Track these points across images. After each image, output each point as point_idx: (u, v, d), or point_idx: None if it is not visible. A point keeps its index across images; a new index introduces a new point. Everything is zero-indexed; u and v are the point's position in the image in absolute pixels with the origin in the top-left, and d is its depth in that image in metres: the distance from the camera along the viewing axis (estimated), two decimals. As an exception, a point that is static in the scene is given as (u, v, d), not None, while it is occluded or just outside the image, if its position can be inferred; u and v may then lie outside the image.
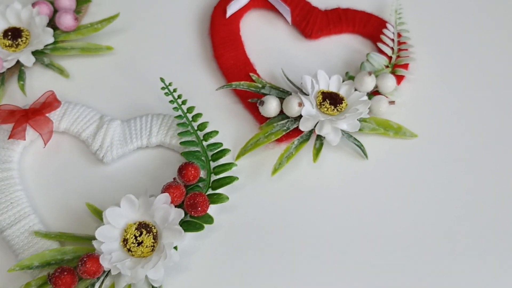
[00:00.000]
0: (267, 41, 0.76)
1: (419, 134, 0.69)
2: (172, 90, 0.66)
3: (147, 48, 0.75)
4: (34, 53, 0.70)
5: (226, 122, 0.69)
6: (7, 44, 0.69)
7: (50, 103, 0.67)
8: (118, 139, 0.66)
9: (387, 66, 0.72)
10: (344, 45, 0.76)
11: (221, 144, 0.66)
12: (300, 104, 0.65)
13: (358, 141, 0.67)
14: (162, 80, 0.66)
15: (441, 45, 0.76)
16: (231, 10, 0.75)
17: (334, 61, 0.75)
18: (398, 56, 0.73)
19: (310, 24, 0.76)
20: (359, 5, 0.79)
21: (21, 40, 0.69)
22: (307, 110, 0.65)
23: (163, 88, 0.66)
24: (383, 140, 0.69)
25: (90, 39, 0.73)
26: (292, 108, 0.65)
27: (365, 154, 0.67)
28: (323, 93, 0.67)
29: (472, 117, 0.71)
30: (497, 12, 0.80)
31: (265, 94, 0.68)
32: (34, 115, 0.66)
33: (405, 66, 0.73)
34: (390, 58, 0.73)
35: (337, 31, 0.77)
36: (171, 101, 0.66)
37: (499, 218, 0.64)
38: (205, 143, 0.65)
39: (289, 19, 0.76)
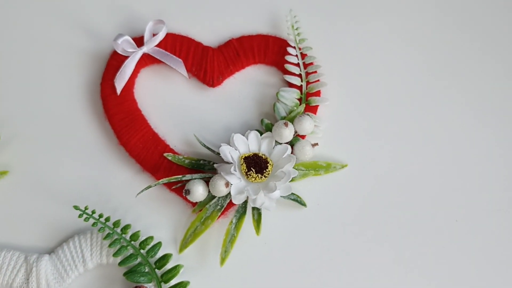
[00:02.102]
0: (169, 103, 0.70)
1: (348, 162, 0.68)
2: (90, 213, 0.61)
3: (42, 155, 0.68)
4: None
5: (157, 213, 0.66)
6: None
7: (-36, 263, 0.61)
8: (53, 277, 0.62)
9: (299, 99, 0.69)
10: (250, 81, 0.71)
11: (159, 245, 0.63)
12: (227, 184, 0.62)
13: (293, 194, 0.65)
14: (76, 208, 0.60)
15: (347, 55, 0.72)
16: (120, 84, 0.67)
17: (246, 103, 0.70)
18: (308, 82, 0.69)
19: (208, 72, 0.69)
20: (253, 26, 0.73)
21: None
22: (236, 187, 0.62)
23: (80, 216, 0.61)
24: (314, 179, 0.68)
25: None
26: (220, 190, 0.62)
27: (303, 204, 0.66)
28: (245, 158, 0.63)
29: (393, 130, 0.70)
30: (406, 15, 0.75)
31: (188, 180, 0.64)
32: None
33: (317, 93, 0.69)
34: (300, 87, 0.69)
35: (238, 68, 0.71)
36: (94, 224, 0.61)
37: (437, 234, 0.66)
38: (143, 251, 0.62)
39: (184, 73, 0.69)
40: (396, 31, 0.73)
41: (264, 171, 0.63)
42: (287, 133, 0.65)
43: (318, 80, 0.69)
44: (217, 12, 0.73)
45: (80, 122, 0.69)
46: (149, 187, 0.63)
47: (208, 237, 0.64)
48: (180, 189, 0.65)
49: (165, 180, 0.63)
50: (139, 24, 0.72)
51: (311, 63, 0.70)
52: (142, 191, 0.63)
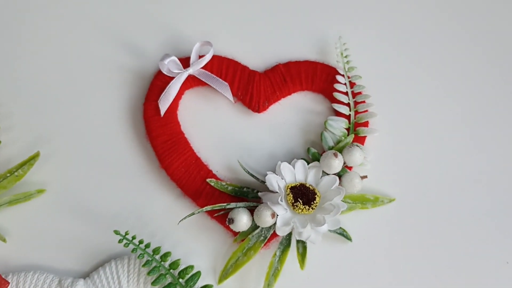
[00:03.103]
0: (213, 127, 0.68)
1: (396, 196, 0.65)
2: (131, 239, 0.59)
3: (81, 174, 0.66)
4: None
5: (196, 240, 0.64)
6: None
7: (-4, 285, 0.58)
8: (88, 304, 0.59)
9: (347, 129, 0.67)
10: (296, 108, 0.69)
11: (199, 275, 0.60)
12: (274, 215, 0.60)
13: (339, 228, 0.63)
14: (116, 232, 0.58)
15: (397, 86, 0.70)
16: (164, 105, 0.65)
17: (291, 131, 0.68)
18: (356, 112, 0.67)
19: (254, 97, 0.68)
20: (300, 52, 0.71)
21: None
22: (282, 218, 0.60)
23: (120, 241, 0.58)
24: (361, 212, 0.65)
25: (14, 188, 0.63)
26: (266, 221, 0.60)
27: (349, 238, 0.63)
28: (292, 188, 0.61)
29: (443, 165, 0.67)
30: (460, 49, 0.73)
31: (231, 209, 0.62)
32: (-17, 304, 0.58)
33: (366, 123, 0.67)
34: (348, 117, 0.67)
35: (285, 94, 0.69)
36: (133, 250, 0.59)
37: (489, 266, 0.63)
38: (182, 281, 0.60)
39: (230, 97, 0.67)
40: (448, 65, 0.71)
41: (312, 202, 0.60)
42: (336, 164, 0.62)
43: (367, 110, 0.67)
44: (264, 36, 0.71)
45: (121, 142, 0.67)
46: (192, 214, 0.61)
47: (249, 268, 0.62)
48: (222, 217, 0.63)
49: (208, 207, 0.61)
50: (184, 45, 0.70)
51: (360, 93, 0.68)
52: (184, 218, 0.61)
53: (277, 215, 0.60)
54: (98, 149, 0.67)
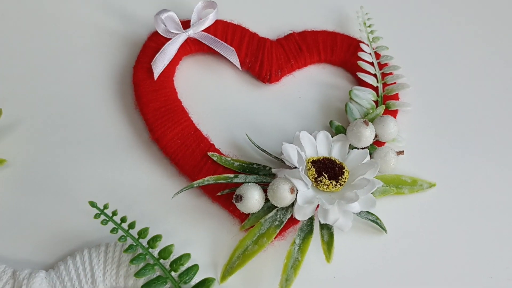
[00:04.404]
0: (214, 99, 0.57)
1: (436, 181, 0.54)
2: (110, 215, 0.46)
3: (53, 147, 0.53)
4: None
5: (193, 228, 0.50)
6: None
7: None
8: (49, 301, 0.45)
9: (375, 101, 0.56)
10: (312, 81, 0.59)
11: (196, 269, 0.47)
12: (293, 190, 0.48)
13: (372, 214, 0.51)
14: (92, 204, 0.45)
15: (427, 59, 0.61)
16: (158, 68, 0.55)
17: (307, 106, 0.57)
18: (384, 84, 0.57)
19: (265, 64, 0.57)
20: (315, 23, 0.62)
21: None
22: (303, 196, 0.48)
23: (97, 216, 0.45)
24: (396, 199, 0.53)
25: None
26: (284, 197, 0.47)
27: (383, 228, 0.51)
28: (314, 162, 0.49)
29: (488, 146, 0.57)
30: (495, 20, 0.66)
31: (239, 183, 0.49)
32: None
33: (395, 96, 0.57)
34: (376, 89, 0.57)
35: (300, 65, 0.59)
36: (113, 230, 0.45)
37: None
38: (175, 274, 0.46)
39: (237, 63, 0.57)
40: (481, 35, 0.63)
41: (340, 178, 0.49)
42: (368, 133, 0.51)
43: (395, 82, 0.57)
44: (274, 4, 0.63)
45: (104, 111, 0.55)
46: (191, 186, 0.48)
47: (259, 261, 0.49)
48: (226, 198, 0.50)
49: (211, 178, 0.48)
50: (183, 11, 0.61)
51: (386, 64, 0.58)
52: (180, 191, 0.48)
53: (297, 190, 0.48)
54: (77, 118, 0.55)
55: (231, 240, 0.50)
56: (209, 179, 0.48)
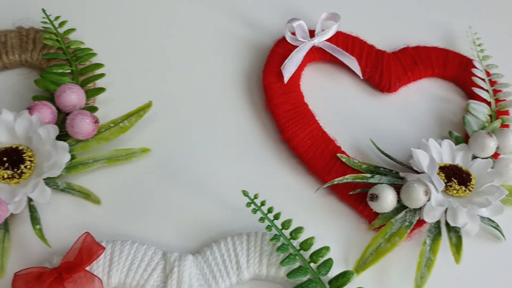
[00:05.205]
0: (336, 104, 0.60)
1: (549, 194, 0.57)
2: (259, 204, 0.48)
3: (190, 140, 0.56)
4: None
5: (323, 224, 0.53)
6: (6, 175, 0.48)
7: (88, 250, 0.47)
8: (198, 283, 0.47)
9: (490, 115, 0.59)
10: (426, 93, 0.62)
11: (331, 262, 0.49)
12: (427, 192, 0.50)
13: (493, 221, 0.53)
14: (245, 193, 0.48)
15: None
16: (288, 72, 0.58)
17: (421, 116, 0.60)
18: (497, 100, 0.60)
19: (385, 75, 0.61)
20: (425, 39, 0.65)
21: (25, 166, 0.48)
22: (435, 199, 0.50)
23: (248, 205, 0.48)
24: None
25: (115, 142, 0.53)
26: (418, 199, 0.50)
27: (503, 235, 0.53)
28: (441, 168, 0.52)
29: None
30: None
31: (372, 184, 0.52)
32: (70, 273, 0.46)
33: (506, 112, 0.60)
34: (489, 104, 0.60)
35: (416, 77, 0.62)
36: (261, 219, 0.48)
37: None
38: (313, 266, 0.49)
39: (359, 72, 0.60)
40: None
41: (468, 184, 0.51)
42: (492, 144, 0.54)
43: (505, 100, 0.60)
44: (389, 21, 0.66)
45: (234, 109, 0.58)
46: (332, 183, 0.51)
47: (385, 258, 0.51)
48: (356, 198, 0.53)
49: (350, 177, 0.51)
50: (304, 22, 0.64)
51: (496, 82, 0.61)
52: (322, 187, 0.51)
53: (430, 193, 0.50)
54: (210, 115, 0.58)
55: (360, 237, 0.53)
56: (348, 177, 0.51)
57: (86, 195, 0.51)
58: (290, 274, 0.47)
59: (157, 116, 0.56)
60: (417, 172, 0.53)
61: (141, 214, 0.52)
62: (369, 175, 0.52)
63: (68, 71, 0.55)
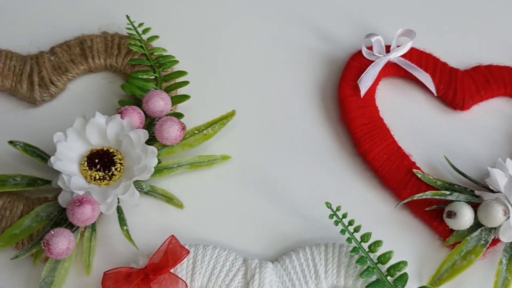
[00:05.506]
0: (409, 119, 0.61)
1: None
2: (341, 217, 0.50)
3: (267, 150, 0.58)
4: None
5: (396, 239, 0.54)
6: (98, 177, 0.50)
7: (173, 253, 0.48)
8: (278, 291, 0.49)
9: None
10: (498, 112, 0.62)
11: (406, 277, 0.50)
12: (506, 212, 0.51)
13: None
14: (328, 205, 0.49)
15: None
16: (364, 86, 0.59)
17: (494, 135, 0.61)
18: None
19: (458, 93, 0.61)
20: (497, 58, 0.65)
21: (115, 169, 0.50)
22: (514, 219, 0.51)
23: (331, 217, 0.49)
24: None
25: (197, 148, 0.55)
26: (496, 218, 0.50)
27: None
28: (518, 189, 0.53)
29: None
30: None
31: (449, 201, 0.53)
32: (156, 274, 0.47)
33: None
34: (559, 125, 0.60)
35: (488, 96, 0.62)
36: (342, 231, 0.49)
37: None
38: (390, 279, 0.49)
39: (433, 89, 0.61)
40: None
41: (546, 206, 0.52)
42: None
43: None
44: (461, 39, 0.67)
45: (309, 120, 0.60)
46: (412, 199, 0.52)
47: (461, 275, 0.52)
48: (431, 214, 0.54)
49: (429, 193, 0.52)
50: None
51: None
52: (402, 202, 0.52)
53: (510, 213, 0.51)
54: (286, 127, 0.59)
55: (434, 253, 0.53)
56: (428, 194, 0.52)
57: (169, 198, 0.52)
58: (369, 286, 0.48)
59: (235, 125, 0.58)
60: (493, 191, 0.54)
61: (219, 219, 0.54)
62: (447, 192, 0.52)
63: (152, 77, 0.57)
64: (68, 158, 0.50)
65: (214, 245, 0.51)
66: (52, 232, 0.47)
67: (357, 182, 0.57)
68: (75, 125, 0.51)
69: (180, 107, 0.59)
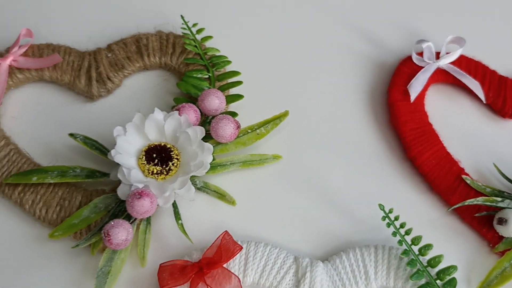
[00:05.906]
0: (458, 126, 0.61)
1: None
2: (393, 219, 0.50)
3: (317, 151, 0.59)
4: (184, 176, 0.52)
5: (444, 244, 0.54)
6: (155, 171, 0.51)
7: (227, 248, 0.49)
8: (329, 290, 0.49)
9: None
10: (545, 122, 0.63)
11: (455, 282, 0.50)
12: (557, 222, 0.51)
13: None
14: (381, 207, 0.50)
15: None
16: (414, 91, 0.59)
17: (541, 145, 0.61)
18: None
19: (508, 101, 0.61)
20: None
21: (172, 164, 0.51)
22: None
23: (383, 219, 0.50)
24: None
25: (250, 147, 0.56)
26: (548, 227, 0.51)
27: None
28: None
29: None
30: None
31: (499, 208, 0.53)
32: (210, 268, 0.49)
33: None
34: None
35: (537, 105, 0.63)
36: (394, 233, 0.50)
37: None
38: (440, 283, 0.50)
39: (482, 96, 0.61)
40: None
41: None
42: None
43: None
44: (510, 46, 0.67)
45: (358, 124, 0.61)
46: (463, 204, 0.52)
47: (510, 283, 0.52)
48: (479, 220, 0.54)
49: (480, 199, 0.52)
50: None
51: None
52: (456, 206, 0.52)
53: (561, 223, 0.51)
54: (335, 129, 0.60)
55: (482, 259, 0.53)
56: (479, 200, 0.52)
57: (221, 195, 0.54)
58: (419, 289, 0.49)
59: (286, 125, 0.59)
60: (541, 200, 0.54)
61: (269, 217, 0.55)
62: (499, 199, 0.53)
63: (206, 76, 0.59)
64: (127, 152, 0.51)
65: (266, 242, 0.52)
66: (112, 223, 0.48)
67: (405, 186, 0.57)
68: (134, 120, 0.52)
69: (232, 107, 0.60)
